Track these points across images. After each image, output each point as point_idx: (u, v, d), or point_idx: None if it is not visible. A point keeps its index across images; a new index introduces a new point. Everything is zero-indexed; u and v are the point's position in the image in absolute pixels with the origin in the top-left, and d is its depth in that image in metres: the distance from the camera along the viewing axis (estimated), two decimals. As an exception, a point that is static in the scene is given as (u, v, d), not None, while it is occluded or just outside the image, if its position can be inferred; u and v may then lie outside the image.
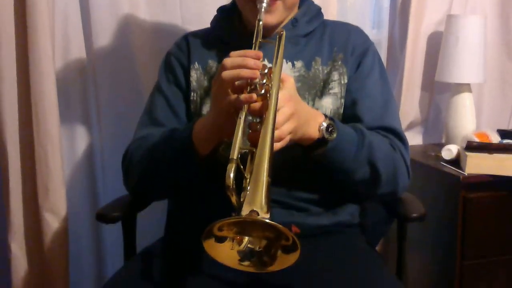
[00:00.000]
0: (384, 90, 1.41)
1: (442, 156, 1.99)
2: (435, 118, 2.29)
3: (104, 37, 1.87)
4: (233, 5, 1.48)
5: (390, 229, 1.93)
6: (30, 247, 1.84)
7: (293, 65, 1.38)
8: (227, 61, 1.11)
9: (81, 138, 1.98)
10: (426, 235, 1.98)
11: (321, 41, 1.44)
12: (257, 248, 0.94)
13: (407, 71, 2.17)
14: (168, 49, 1.54)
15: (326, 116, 1.21)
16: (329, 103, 1.35)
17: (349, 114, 1.36)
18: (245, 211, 0.87)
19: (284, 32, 1.30)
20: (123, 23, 1.88)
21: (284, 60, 1.34)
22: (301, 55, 1.40)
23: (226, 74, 1.09)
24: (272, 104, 1.03)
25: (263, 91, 1.06)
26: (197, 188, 1.34)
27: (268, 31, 1.37)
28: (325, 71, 1.39)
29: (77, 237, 1.98)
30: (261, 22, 1.25)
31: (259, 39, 1.22)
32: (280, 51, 1.22)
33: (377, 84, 1.41)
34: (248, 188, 0.91)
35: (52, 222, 1.80)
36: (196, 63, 1.44)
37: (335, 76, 1.38)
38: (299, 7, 1.46)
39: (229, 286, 1.17)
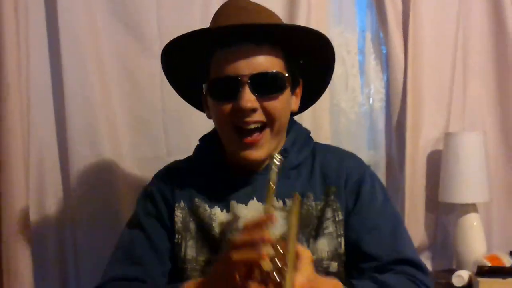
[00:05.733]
0: (389, 215, 1.38)
1: (453, 284, 1.96)
2: (443, 242, 2.30)
3: (84, 172, 1.89)
4: (214, 132, 1.44)
5: None
6: None
7: (284, 203, 1.35)
8: (237, 239, 1.07)
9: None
10: None
11: (312, 173, 1.41)
12: None
13: (409, 191, 2.21)
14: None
15: (343, 283, 1.18)
16: (324, 245, 1.34)
17: (358, 255, 1.33)
18: None
19: (299, 197, 1.19)
20: (103, 158, 1.92)
21: (275, 198, 1.32)
22: (292, 191, 1.29)
23: (235, 255, 1.04)
24: None
25: (275, 272, 1.02)
26: None
27: (257, 164, 1.36)
28: (319, 208, 1.36)
29: None
30: (271, 183, 1.17)
31: (271, 202, 1.16)
32: (294, 219, 1.11)
33: (380, 211, 1.37)
34: None
35: None
36: (181, 201, 1.40)
37: (329, 213, 1.36)
38: (287, 133, 1.43)
39: None
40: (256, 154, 1.31)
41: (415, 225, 2.22)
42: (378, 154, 2.32)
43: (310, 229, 1.33)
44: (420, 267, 1.31)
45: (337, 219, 1.36)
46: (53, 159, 1.92)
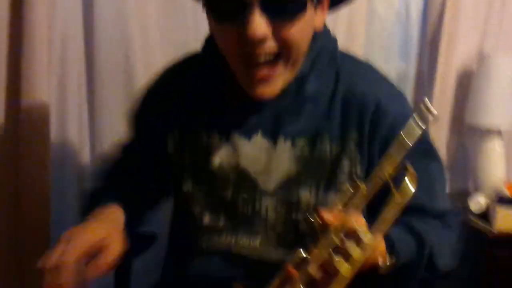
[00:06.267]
0: (426, 167, 1.15)
1: (470, 208, 1.98)
2: (463, 163, 2.28)
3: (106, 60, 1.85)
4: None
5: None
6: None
7: (294, 143, 1.14)
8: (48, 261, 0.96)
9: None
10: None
11: (331, 107, 1.15)
12: None
13: (435, 109, 2.16)
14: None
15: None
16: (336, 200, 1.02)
17: None
18: None
19: (413, 171, 0.94)
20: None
21: (282, 137, 1.14)
22: (304, 129, 1.14)
23: (47, 277, 0.95)
24: None
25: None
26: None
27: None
28: (334, 153, 1.13)
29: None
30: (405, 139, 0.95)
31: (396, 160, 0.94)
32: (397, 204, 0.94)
33: (417, 165, 1.04)
34: None
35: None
36: (175, 129, 1.22)
37: (345, 164, 1.12)
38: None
39: None
40: (268, 91, 1.08)
41: (437, 144, 2.19)
42: (409, 66, 2.25)
43: (320, 177, 1.13)
44: (454, 212, 1.22)
45: (354, 176, 1.13)
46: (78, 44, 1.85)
